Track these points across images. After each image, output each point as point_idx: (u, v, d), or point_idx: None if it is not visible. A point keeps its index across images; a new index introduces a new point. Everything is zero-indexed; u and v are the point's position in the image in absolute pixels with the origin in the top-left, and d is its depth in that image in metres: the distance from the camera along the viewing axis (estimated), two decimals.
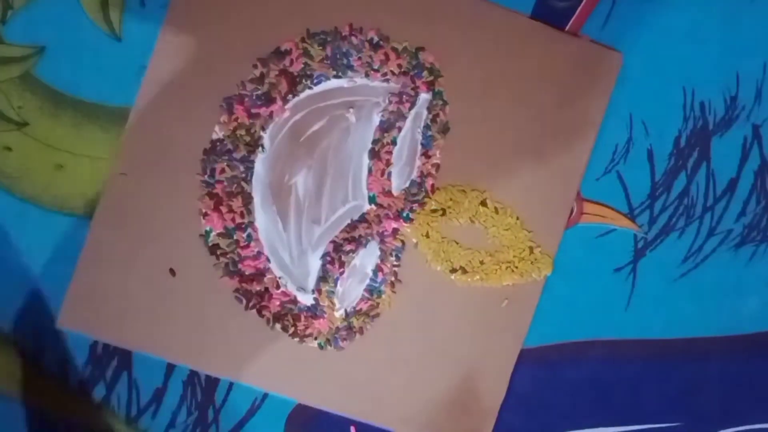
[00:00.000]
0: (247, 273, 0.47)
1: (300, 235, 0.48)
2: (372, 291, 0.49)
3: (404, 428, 0.49)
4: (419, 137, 0.49)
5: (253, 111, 0.48)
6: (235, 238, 0.47)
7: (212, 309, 0.47)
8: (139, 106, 0.47)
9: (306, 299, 0.48)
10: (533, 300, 0.50)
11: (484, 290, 0.50)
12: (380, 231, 0.49)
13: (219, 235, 0.47)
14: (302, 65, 0.48)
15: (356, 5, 0.48)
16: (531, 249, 0.50)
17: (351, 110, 0.49)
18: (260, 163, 0.48)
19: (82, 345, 0.47)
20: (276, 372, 0.48)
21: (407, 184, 0.49)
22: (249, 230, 0.48)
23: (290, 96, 0.48)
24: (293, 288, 0.48)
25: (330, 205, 0.48)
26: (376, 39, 0.49)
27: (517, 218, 0.50)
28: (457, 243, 0.49)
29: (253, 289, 0.48)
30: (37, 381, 0.47)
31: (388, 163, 0.49)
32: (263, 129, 0.48)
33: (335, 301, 0.48)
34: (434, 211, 0.49)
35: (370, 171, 0.49)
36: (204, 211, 0.47)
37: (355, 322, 0.48)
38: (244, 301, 0.48)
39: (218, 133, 0.48)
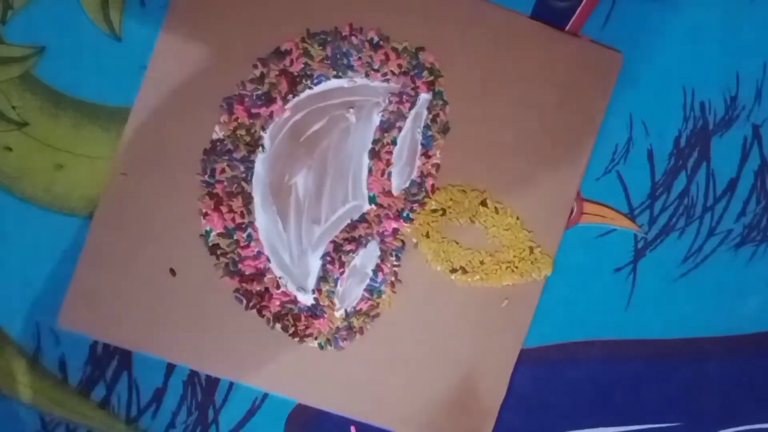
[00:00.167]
0: (247, 273, 0.47)
1: (300, 235, 0.48)
2: (372, 291, 0.49)
3: (404, 428, 0.49)
4: (419, 137, 0.49)
5: (253, 111, 0.48)
6: (235, 238, 0.47)
7: (212, 309, 0.47)
8: (139, 106, 0.47)
9: (306, 299, 0.48)
10: (533, 300, 0.50)
11: (484, 290, 0.50)
12: (380, 231, 0.49)
13: (219, 235, 0.47)
14: (302, 65, 0.48)
15: (356, 5, 0.48)
16: (531, 249, 0.50)
17: (351, 110, 0.49)
18: (260, 163, 0.48)
19: (82, 345, 0.47)
20: (276, 372, 0.48)
21: (407, 184, 0.49)
22: (249, 230, 0.48)
23: (290, 96, 0.48)
24: (293, 288, 0.48)
25: (330, 205, 0.48)
26: (376, 39, 0.49)
27: (517, 218, 0.50)
28: (457, 243, 0.49)
29: (253, 289, 0.48)
30: (37, 381, 0.47)
31: (388, 163, 0.49)
32: (263, 129, 0.48)
33: (335, 301, 0.48)
34: (434, 211, 0.49)
35: (370, 171, 0.49)
36: (204, 211, 0.47)
37: (355, 322, 0.48)
38: (244, 301, 0.48)
39: (218, 133, 0.48)
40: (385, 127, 0.49)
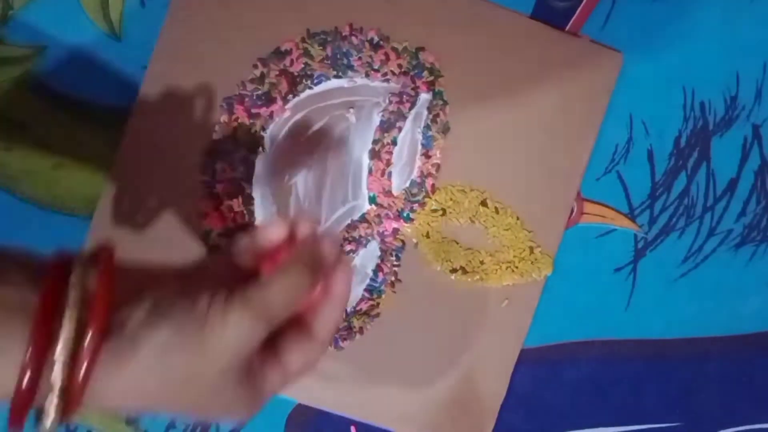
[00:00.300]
0: None
1: None
2: (372, 291, 0.49)
3: (404, 428, 0.49)
4: (419, 137, 0.49)
5: (253, 111, 0.48)
6: None
7: None
8: (139, 106, 0.47)
9: None
10: (533, 300, 0.50)
11: (484, 290, 0.50)
12: (380, 231, 0.49)
13: (219, 235, 0.47)
14: (302, 65, 0.48)
15: (356, 5, 0.48)
16: (531, 249, 0.50)
17: (351, 110, 0.49)
18: (260, 163, 0.48)
19: None
20: None
21: (407, 184, 0.49)
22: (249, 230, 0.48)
23: (290, 96, 0.48)
24: None
25: (330, 205, 0.48)
26: (376, 39, 0.49)
27: (517, 218, 0.50)
28: (457, 243, 0.49)
29: None
30: None
31: (388, 163, 0.49)
32: (263, 129, 0.48)
33: None
34: (434, 211, 0.49)
35: (370, 171, 0.49)
36: (204, 211, 0.47)
37: (355, 322, 0.48)
38: None
39: (218, 133, 0.48)
40: (385, 127, 0.49)
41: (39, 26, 0.46)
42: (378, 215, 0.49)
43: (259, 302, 0.32)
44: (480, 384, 0.50)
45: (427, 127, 0.49)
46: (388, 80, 0.49)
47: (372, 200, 0.49)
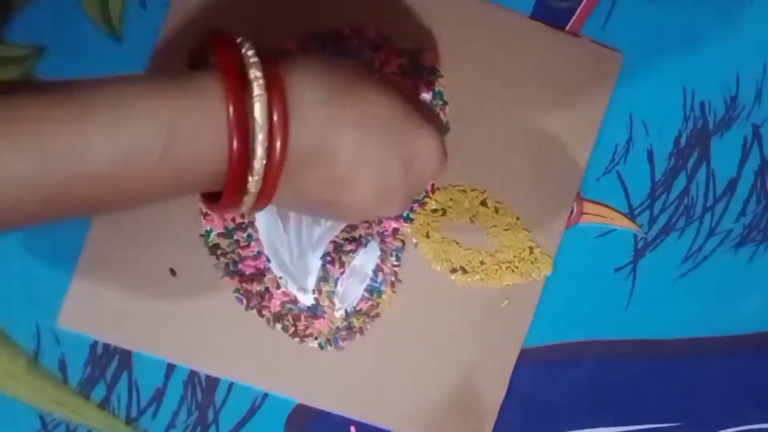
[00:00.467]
0: (247, 273, 0.47)
1: (300, 235, 0.48)
2: (372, 291, 0.49)
3: (404, 428, 0.49)
4: None
5: None
6: (235, 238, 0.47)
7: (212, 309, 0.47)
8: None
9: (306, 299, 0.48)
10: (533, 300, 0.50)
11: (484, 290, 0.50)
12: (380, 231, 0.49)
13: (219, 235, 0.47)
14: None
15: (356, 5, 0.48)
16: (531, 249, 0.50)
17: None
18: None
19: (82, 345, 0.47)
20: (276, 372, 0.48)
21: None
22: (249, 230, 0.47)
23: None
24: (294, 288, 0.48)
25: None
26: (376, 39, 0.49)
27: (517, 218, 0.50)
28: (457, 243, 0.49)
29: (254, 289, 0.48)
30: (37, 381, 0.46)
31: None
32: None
33: (335, 301, 0.48)
34: (434, 211, 0.49)
35: None
36: (204, 211, 0.47)
37: (355, 322, 0.48)
38: (245, 301, 0.48)
39: None
40: None
41: (39, 26, 0.46)
42: None
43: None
44: (480, 384, 0.50)
45: None
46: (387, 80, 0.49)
47: None
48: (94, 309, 0.46)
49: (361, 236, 0.48)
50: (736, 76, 0.52)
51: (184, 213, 0.47)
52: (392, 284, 0.49)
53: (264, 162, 0.33)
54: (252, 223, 0.48)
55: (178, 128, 0.32)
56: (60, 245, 0.46)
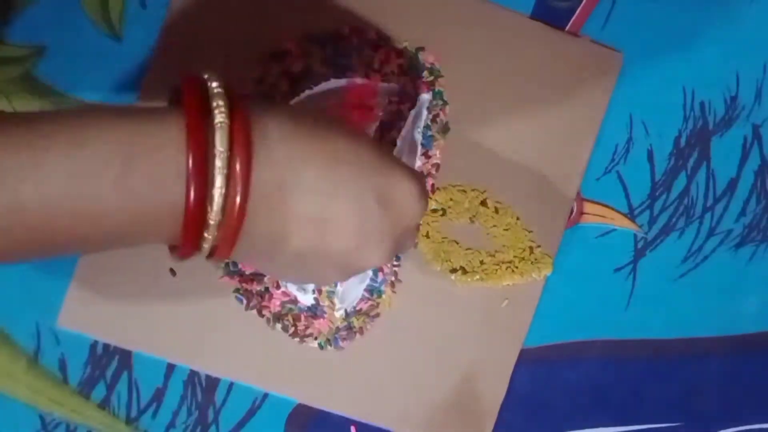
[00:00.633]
0: (247, 273, 0.47)
1: None
2: (372, 291, 0.49)
3: (404, 428, 0.49)
4: (419, 137, 0.49)
5: None
6: None
7: (212, 309, 0.47)
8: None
9: (306, 299, 0.48)
10: (533, 300, 0.50)
11: (484, 290, 0.50)
12: None
13: None
14: (302, 65, 0.48)
15: (356, 5, 0.48)
16: (531, 249, 0.50)
17: None
18: None
19: (82, 345, 0.47)
20: (276, 372, 0.48)
21: None
22: None
23: (290, 96, 0.48)
24: (293, 288, 0.48)
25: None
26: (376, 39, 0.49)
27: (517, 218, 0.50)
28: (457, 243, 0.49)
29: (254, 289, 0.48)
30: (37, 381, 0.47)
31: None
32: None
33: (335, 301, 0.48)
34: (434, 211, 0.49)
35: None
36: None
37: (355, 322, 0.48)
38: (245, 301, 0.48)
39: None
40: (385, 127, 0.49)
41: (39, 26, 0.46)
42: None
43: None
44: (480, 384, 0.50)
45: (427, 127, 0.49)
46: (388, 80, 0.49)
47: None
48: (93, 309, 0.46)
49: None
50: (736, 76, 0.52)
51: None
52: (392, 284, 0.49)
53: (223, 191, 0.30)
54: None
55: (134, 154, 0.30)
56: None
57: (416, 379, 0.49)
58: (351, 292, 0.48)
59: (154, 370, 0.47)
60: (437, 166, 0.49)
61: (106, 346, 0.47)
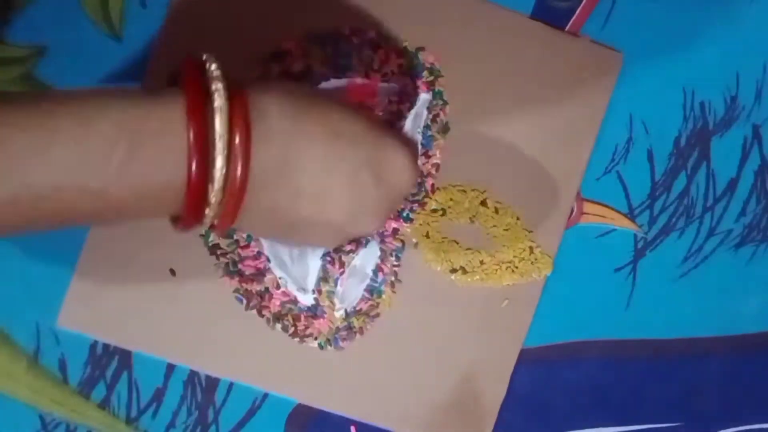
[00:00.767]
0: (247, 273, 0.47)
1: None
2: (372, 291, 0.49)
3: (404, 428, 0.49)
4: (419, 137, 0.49)
5: None
6: (235, 238, 0.47)
7: (212, 309, 0.47)
8: None
9: (306, 299, 0.48)
10: (533, 300, 0.50)
11: (484, 290, 0.50)
12: (380, 231, 0.49)
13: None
14: (303, 65, 0.48)
15: (356, 5, 0.48)
16: (531, 249, 0.50)
17: None
18: None
19: (82, 345, 0.47)
20: (276, 372, 0.48)
21: None
22: None
23: None
24: (293, 288, 0.48)
25: None
26: (376, 39, 0.49)
27: (517, 218, 0.50)
28: (457, 243, 0.49)
29: (254, 289, 0.48)
30: (37, 381, 0.47)
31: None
32: None
33: (335, 301, 0.48)
34: (434, 211, 0.49)
35: None
36: None
37: (355, 322, 0.48)
38: (245, 301, 0.48)
39: None
40: None
41: (39, 26, 0.46)
42: None
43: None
44: (480, 384, 0.50)
45: (427, 127, 0.49)
46: (388, 80, 0.49)
47: None
48: (94, 309, 0.46)
49: (361, 236, 0.48)
50: (736, 76, 0.52)
51: None
52: (392, 284, 0.49)
53: (224, 171, 0.32)
54: None
55: (137, 137, 0.32)
56: (60, 245, 0.46)
57: (416, 379, 0.49)
58: (351, 292, 0.48)
59: (154, 370, 0.47)
60: (437, 166, 0.49)
61: (106, 346, 0.47)
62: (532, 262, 0.50)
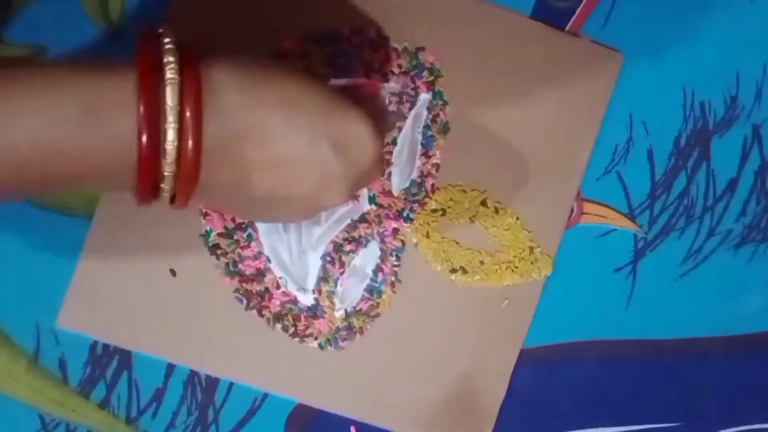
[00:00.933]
0: (247, 273, 0.47)
1: (300, 235, 0.48)
2: (372, 291, 0.49)
3: (404, 428, 0.49)
4: (419, 137, 0.49)
5: None
6: (235, 238, 0.47)
7: (212, 309, 0.47)
8: None
9: (306, 299, 0.48)
10: (533, 300, 0.50)
11: (484, 290, 0.50)
12: (380, 231, 0.49)
13: (219, 235, 0.47)
14: (302, 65, 0.48)
15: (356, 5, 0.48)
16: (531, 249, 0.50)
17: None
18: None
19: (82, 345, 0.47)
20: (276, 372, 0.48)
21: (407, 184, 0.49)
22: (249, 230, 0.47)
23: None
24: (293, 288, 0.48)
25: None
26: (376, 39, 0.49)
27: (517, 218, 0.50)
28: (457, 243, 0.49)
29: (254, 289, 0.48)
30: (37, 381, 0.47)
31: (388, 163, 0.49)
32: None
33: (335, 301, 0.48)
34: (434, 211, 0.49)
35: None
36: (204, 211, 0.47)
37: (355, 322, 0.48)
38: (245, 301, 0.48)
39: None
40: None
41: (39, 26, 0.46)
42: (378, 215, 0.49)
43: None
44: (480, 384, 0.50)
45: (427, 127, 0.49)
46: (388, 80, 0.49)
47: (372, 200, 0.49)
48: (94, 309, 0.46)
49: (361, 236, 0.48)
50: (736, 76, 0.52)
51: (184, 213, 0.47)
52: (392, 284, 0.49)
53: (176, 144, 0.32)
54: (252, 223, 0.48)
55: (94, 105, 0.32)
56: (60, 245, 0.46)
57: (416, 379, 0.49)
58: (351, 292, 0.48)
59: (154, 370, 0.47)
60: (437, 166, 0.49)
61: (106, 346, 0.47)
62: (532, 262, 0.50)
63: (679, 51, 0.51)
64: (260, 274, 0.48)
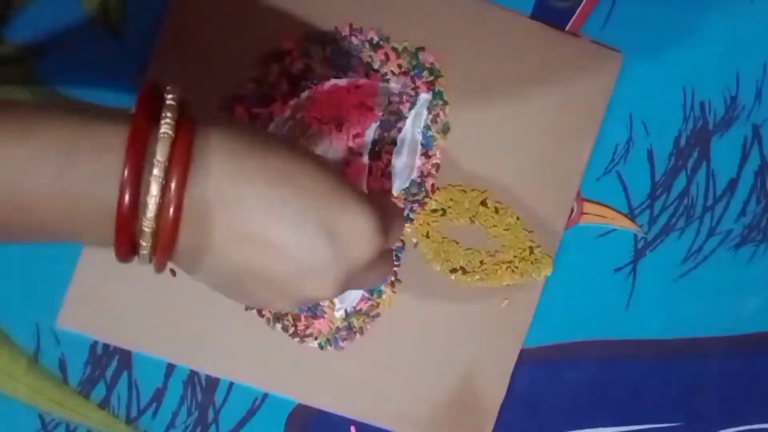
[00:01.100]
0: None
1: None
2: (372, 291, 0.49)
3: (404, 428, 0.49)
4: (419, 137, 0.49)
5: (254, 111, 0.48)
6: None
7: (212, 309, 0.47)
8: None
9: None
10: (533, 300, 0.50)
11: (484, 290, 0.50)
12: None
13: None
14: (302, 65, 0.48)
15: (356, 5, 0.48)
16: (531, 249, 0.50)
17: None
18: None
19: (82, 345, 0.47)
20: (276, 372, 0.48)
21: (407, 184, 0.49)
22: None
23: (290, 96, 0.48)
24: None
25: None
26: (376, 39, 0.49)
27: (517, 218, 0.50)
28: (457, 243, 0.49)
29: None
30: (37, 381, 0.47)
31: (388, 164, 0.49)
32: (264, 129, 0.48)
33: (335, 301, 0.48)
34: (434, 211, 0.49)
35: (369, 171, 0.49)
36: None
37: (355, 322, 0.48)
38: None
39: None
40: (385, 127, 0.49)
41: (39, 26, 0.46)
42: None
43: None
44: (480, 384, 0.50)
45: (427, 127, 0.49)
46: (388, 80, 0.49)
47: None
48: (94, 309, 0.46)
49: None
50: (736, 76, 0.51)
51: None
52: (392, 284, 0.49)
53: (158, 199, 0.31)
54: None
55: (75, 152, 0.30)
56: (60, 245, 0.46)
57: (416, 379, 0.49)
58: (351, 292, 0.48)
59: (154, 370, 0.47)
60: (437, 166, 0.49)
61: (106, 346, 0.47)
62: (532, 262, 0.50)
63: (679, 51, 0.51)
64: None
